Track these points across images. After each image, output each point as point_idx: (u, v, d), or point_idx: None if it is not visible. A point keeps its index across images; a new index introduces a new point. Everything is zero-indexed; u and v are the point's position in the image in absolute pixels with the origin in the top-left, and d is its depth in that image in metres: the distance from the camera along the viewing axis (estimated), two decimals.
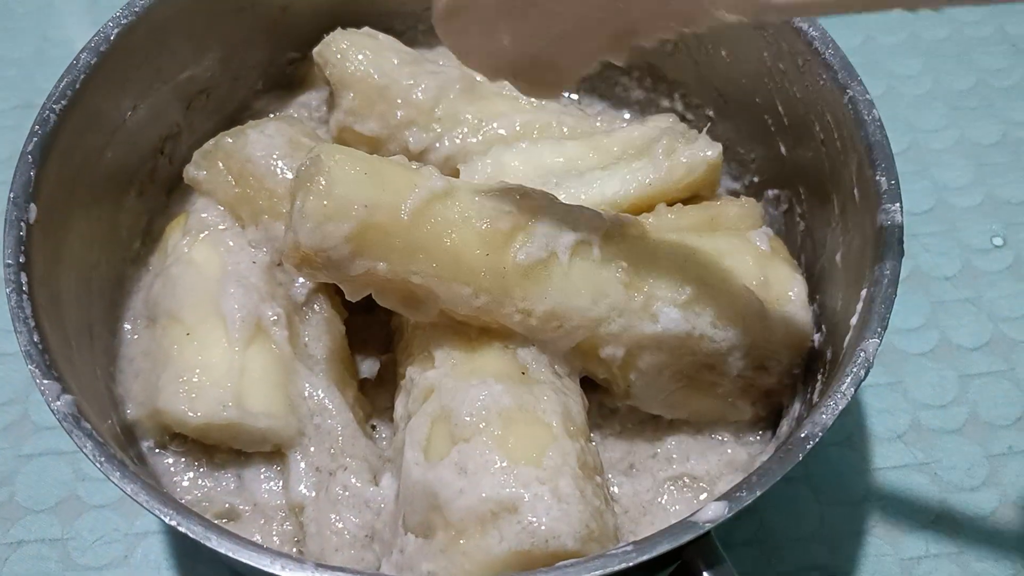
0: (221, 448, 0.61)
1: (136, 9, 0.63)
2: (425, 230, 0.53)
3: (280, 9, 0.72)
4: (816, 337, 0.62)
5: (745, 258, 0.60)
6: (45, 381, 0.50)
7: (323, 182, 0.52)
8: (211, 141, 0.68)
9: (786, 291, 0.61)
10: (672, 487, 0.62)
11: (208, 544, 0.46)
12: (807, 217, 0.66)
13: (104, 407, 0.59)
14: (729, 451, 0.63)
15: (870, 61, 0.90)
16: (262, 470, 0.61)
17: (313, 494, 0.59)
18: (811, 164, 0.64)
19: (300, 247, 0.53)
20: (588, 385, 0.63)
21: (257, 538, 0.58)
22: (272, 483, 0.61)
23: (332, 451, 0.60)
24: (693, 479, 0.62)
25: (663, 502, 0.62)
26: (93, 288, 0.63)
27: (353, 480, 0.59)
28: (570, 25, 0.50)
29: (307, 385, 0.61)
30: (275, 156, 0.65)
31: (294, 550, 0.59)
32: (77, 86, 0.60)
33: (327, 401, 0.61)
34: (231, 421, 0.58)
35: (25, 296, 0.53)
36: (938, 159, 0.84)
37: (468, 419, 0.52)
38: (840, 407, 0.49)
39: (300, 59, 0.75)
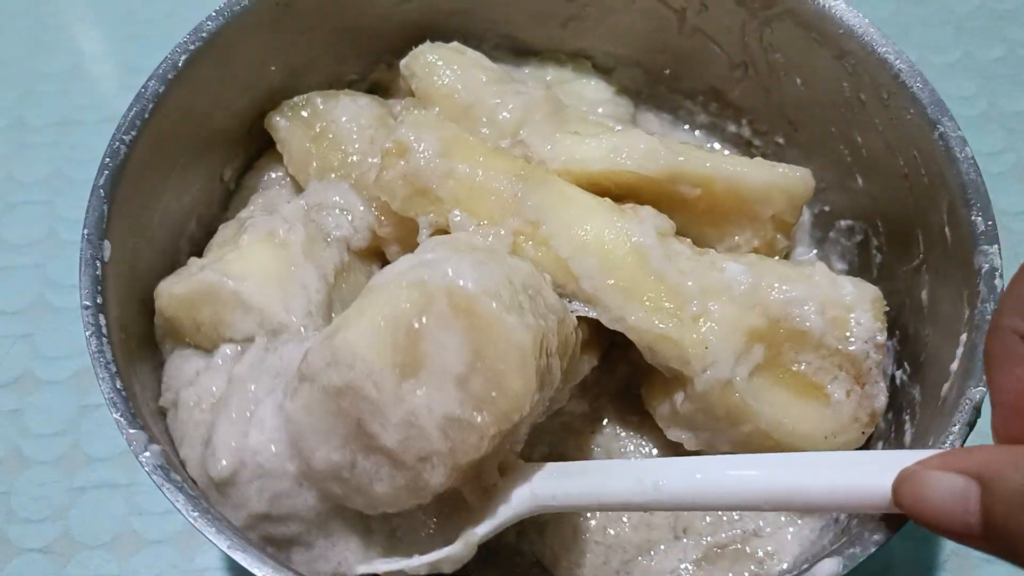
0: None
1: (203, 34, 0.61)
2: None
3: (336, 31, 0.70)
4: (898, 374, 0.61)
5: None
6: (131, 430, 0.49)
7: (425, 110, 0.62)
8: (303, 96, 0.68)
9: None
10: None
11: None
12: (885, 251, 0.65)
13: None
14: None
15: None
16: None
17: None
18: (892, 198, 0.63)
19: (397, 141, 0.57)
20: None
21: None
22: None
23: None
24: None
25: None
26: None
27: None
28: None
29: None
30: (360, 124, 0.65)
31: None
32: (146, 115, 0.58)
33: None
34: (207, 283, 0.56)
35: (105, 340, 0.51)
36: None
37: None
38: None
39: (361, 78, 0.74)
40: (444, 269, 0.46)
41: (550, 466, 0.52)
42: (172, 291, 0.57)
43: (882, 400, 0.59)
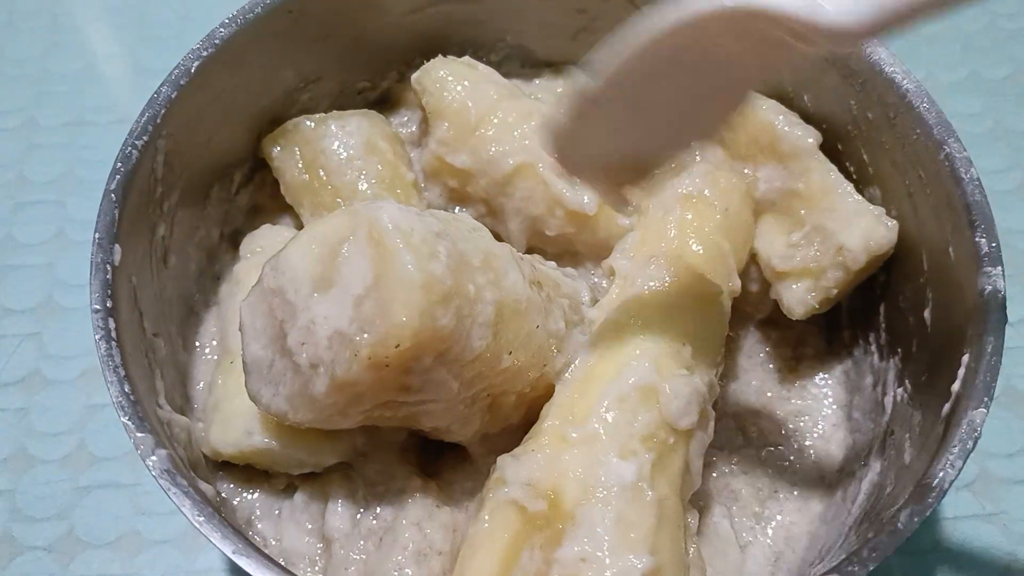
0: None
1: (216, 41, 0.62)
2: None
3: (348, 40, 0.71)
4: (899, 392, 0.61)
5: None
6: (139, 434, 0.49)
7: None
8: (292, 121, 0.67)
9: None
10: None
11: None
12: (888, 269, 0.66)
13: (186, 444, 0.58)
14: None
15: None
16: None
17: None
18: (897, 217, 0.63)
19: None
20: None
21: None
22: None
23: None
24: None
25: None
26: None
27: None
28: (675, 118, 0.51)
29: None
30: (349, 155, 0.65)
31: None
32: (158, 120, 0.59)
33: None
34: (257, 448, 0.57)
35: (114, 343, 0.52)
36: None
37: None
38: (951, 479, 0.49)
39: (372, 87, 0.74)
40: (377, 205, 0.49)
41: None
42: (223, 453, 0.59)
43: None
